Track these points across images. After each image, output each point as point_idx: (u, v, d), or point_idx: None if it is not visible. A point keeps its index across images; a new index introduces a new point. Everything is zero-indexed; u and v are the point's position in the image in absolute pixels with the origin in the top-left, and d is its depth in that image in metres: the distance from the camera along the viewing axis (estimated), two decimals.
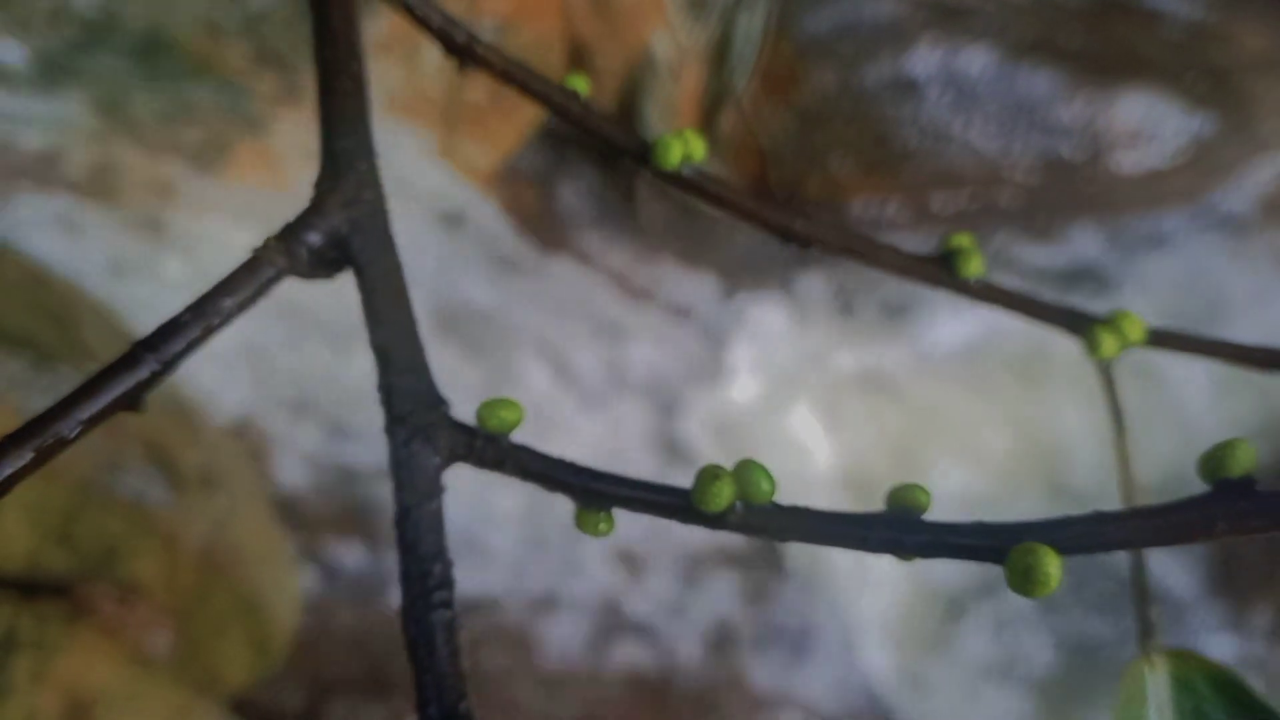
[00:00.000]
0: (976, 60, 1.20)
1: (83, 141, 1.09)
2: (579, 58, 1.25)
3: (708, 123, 1.27)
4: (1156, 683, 0.25)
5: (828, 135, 1.24)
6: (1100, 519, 0.19)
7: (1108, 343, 0.28)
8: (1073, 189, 1.22)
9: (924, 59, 1.20)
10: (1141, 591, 0.26)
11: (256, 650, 1.06)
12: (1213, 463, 0.19)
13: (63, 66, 1.06)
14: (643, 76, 1.25)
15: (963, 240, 0.30)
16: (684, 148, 0.31)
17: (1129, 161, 1.19)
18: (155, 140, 1.09)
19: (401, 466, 0.24)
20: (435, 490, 0.24)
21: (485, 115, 1.19)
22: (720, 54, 1.26)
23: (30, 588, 0.87)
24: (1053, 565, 0.19)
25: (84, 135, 1.09)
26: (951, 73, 1.19)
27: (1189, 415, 1.25)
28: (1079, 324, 0.28)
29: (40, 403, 0.27)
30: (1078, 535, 0.19)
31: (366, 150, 0.28)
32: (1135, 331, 0.28)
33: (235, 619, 1.03)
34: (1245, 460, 0.19)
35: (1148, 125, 1.18)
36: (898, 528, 0.21)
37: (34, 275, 1.01)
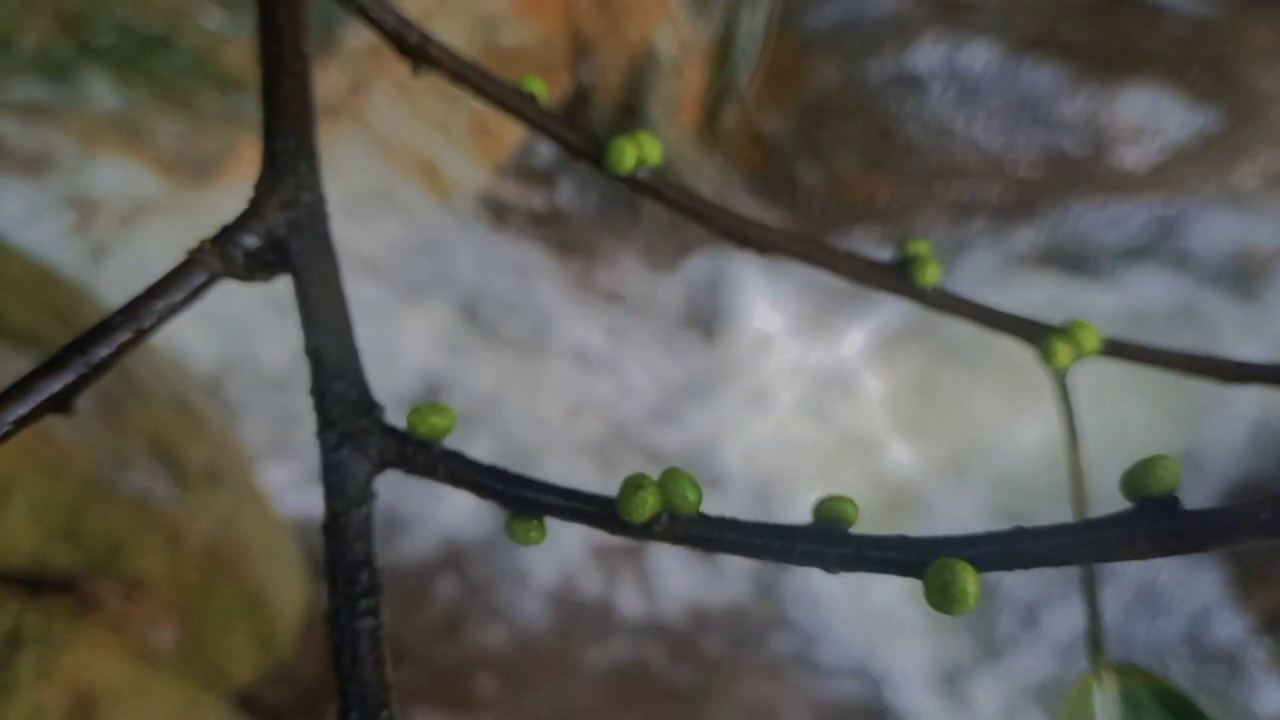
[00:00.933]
0: (979, 55, 1.18)
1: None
2: (581, 54, 1.25)
3: (711, 119, 1.27)
4: (1105, 699, 0.24)
5: (831, 131, 1.23)
6: (1019, 535, 0.19)
7: (1062, 352, 0.27)
8: (1076, 183, 1.21)
9: (927, 54, 1.19)
10: (1091, 607, 0.25)
11: (261, 646, 1.06)
12: (1135, 480, 0.18)
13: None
14: (646, 72, 1.25)
15: (919, 248, 0.29)
16: (638, 151, 0.31)
17: (1132, 156, 1.18)
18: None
19: (332, 472, 0.24)
20: (365, 496, 0.24)
21: (488, 111, 1.19)
22: (723, 50, 1.25)
23: (36, 584, 0.88)
24: (970, 582, 0.18)
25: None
26: (954, 68, 1.18)
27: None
28: (1034, 333, 0.28)
29: None
30: (996, 551, 0.19)
31: (308, 152, 0.27)
32: (1090, 341, 0.27)
33: (240, 615, 1.03)
34: (1168, 478, 0.18)
35: (1151, 120, 1.17)
36: (822, 540, 0.21)
37: (39, 273, 1.02)
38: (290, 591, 1.11)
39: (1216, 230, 1.23)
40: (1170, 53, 1.17)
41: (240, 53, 1.07)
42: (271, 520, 1.13)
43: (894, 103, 1.19)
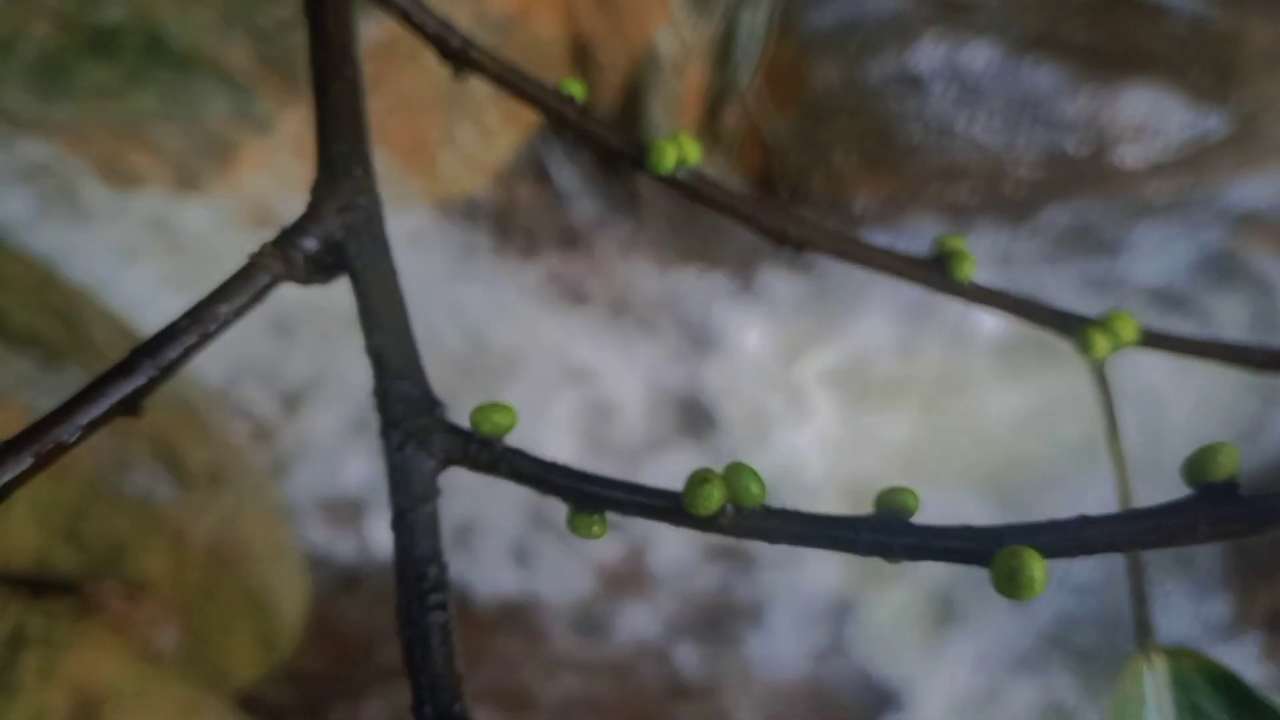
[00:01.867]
0: (980, 55, 1.19)
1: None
2: (582, 55, 1.25)
3: (711, 119, 1.27)
4: (1155, 681, 0.25)
5: (832, 131, 1.24)
6: (1084, 522, 0.19)
7: (1100, 344, 0.28)
8: (1077, 183, 1.22)
9: (928, 54, 1.19)
10: (1139, 591, 0.26)
11: (264, 647, 1.06)
12: (1196, 466, 0.19)
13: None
14: (646, 73, 1.25)
15: (956, 243, 0.30)
16: (678, 151, 0.31)
17: (1134, 157, 1.19)
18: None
19: (397, 470, 0.25)
20: (430, 493, 0.25)
21: (489, 109, 1.20)
22: (724, 50, 1.25)
23: (39, 585, 0.88)
24: (1037, 569, 0.19)
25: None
26: (955, 68, 1.19)
27: None
28: (1071, 325, 0.29)
29: (48, 402, 0.27)
30: (1062, 538, 0.19)
31: (362, 155, 0.28)
32: (1128, 332, 0.28)
33: (242, 616, 1.04)
34: (1228, 464, 0.19)
35: (1153, 120, 1.18)
36: (886, 531, 0.21)
37: (41, 275, 1.02)
38: (293, 591, 1.11)
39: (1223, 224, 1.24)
40: (1172, 53, 1.18)
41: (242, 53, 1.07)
42: (274, 520, 1.13)
43: (895, 103, 1.20)
